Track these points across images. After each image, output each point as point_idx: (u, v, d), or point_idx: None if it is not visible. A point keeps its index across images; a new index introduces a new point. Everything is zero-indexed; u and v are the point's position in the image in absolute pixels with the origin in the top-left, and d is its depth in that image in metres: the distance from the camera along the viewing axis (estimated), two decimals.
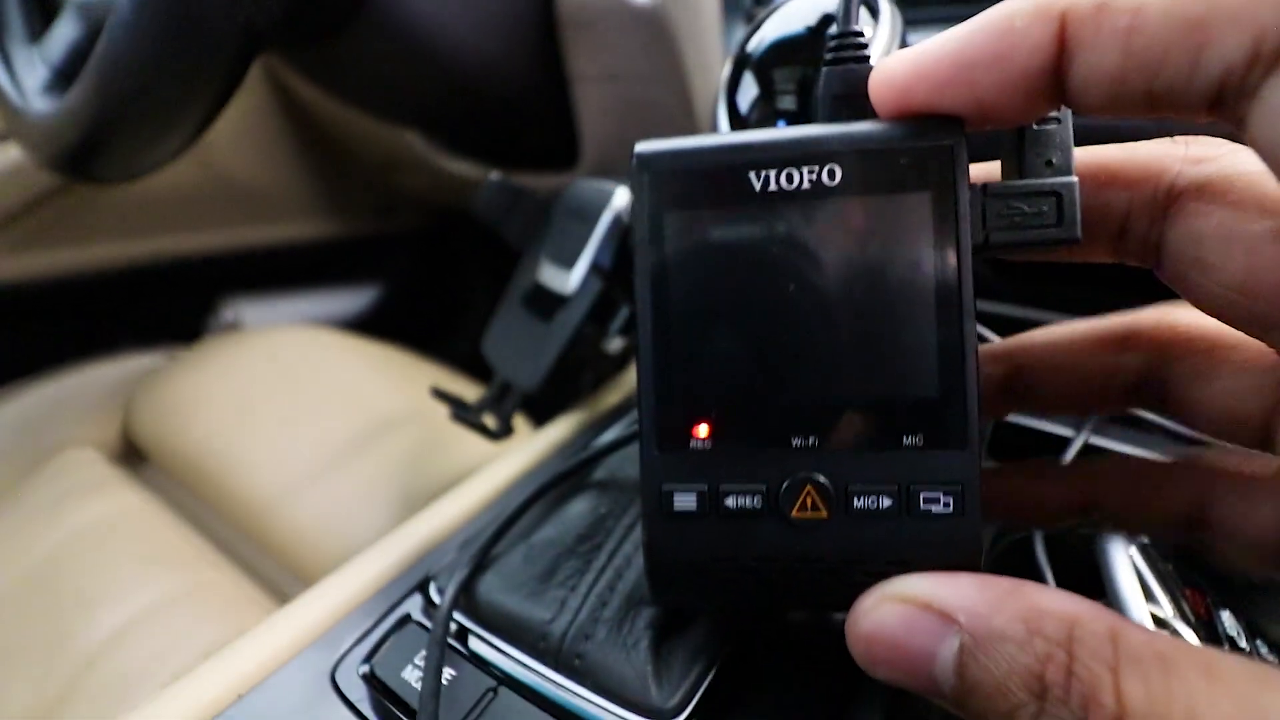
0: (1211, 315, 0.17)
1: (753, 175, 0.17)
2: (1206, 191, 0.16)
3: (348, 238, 1.08)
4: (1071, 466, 0.22)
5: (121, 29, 0.37)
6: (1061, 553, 0.30)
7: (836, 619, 0.25)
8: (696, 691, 0.23)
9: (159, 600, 0.48)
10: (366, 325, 1.10)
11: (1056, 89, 0.15)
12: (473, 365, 0.65)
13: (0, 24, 0.48)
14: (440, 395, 0.48)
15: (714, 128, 0.31)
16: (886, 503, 0.17)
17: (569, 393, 0.50)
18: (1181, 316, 0.20)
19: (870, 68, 0.18)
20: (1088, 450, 0.34)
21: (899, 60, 0.17)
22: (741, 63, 0.30)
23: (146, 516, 0.56)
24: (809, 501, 0.18)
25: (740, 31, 0.32)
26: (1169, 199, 0.17)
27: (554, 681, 0.24)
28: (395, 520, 0.48)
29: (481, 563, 0.27)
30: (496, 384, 0.47)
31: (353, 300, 1.15)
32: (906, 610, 0.15)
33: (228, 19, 0.38)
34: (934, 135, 0.17)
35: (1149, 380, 0.20)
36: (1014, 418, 0.35)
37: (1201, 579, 0.28)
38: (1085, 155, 0.18)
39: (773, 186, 0.17)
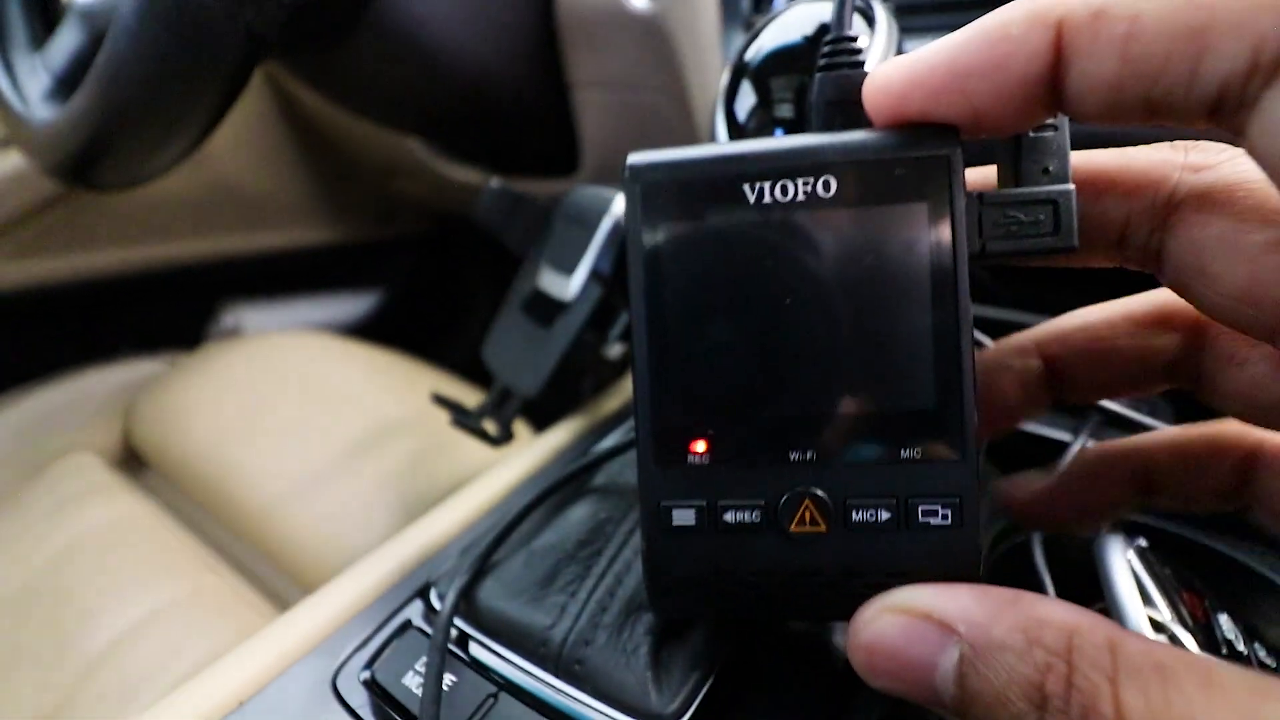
0: (1216, 320, 0.17)
1: (747, 187, 0.17)
2: (1207, 201, 0.16)
3: (348, 243, 1.08)
4: (1125, 454, 0.22)
5: (124, 36, 0.37)
6: (1059, 557, 0.30)
7: (836, 625, 0.25)
8: (696, 697, 0.23)
9: (160, 607, 0.48)
10: (367, 331, 1.10)
11: (1053, 96, 0.15)
12: (473, 371, 0.65)
13: (2, 31, 0.49)
14: (440, 401, 0.48)
15: (712, 135, 0.31)
16: (885, 515, 0.17)
17: (569, 398, 0.51)
18: None
19: (864, 74, 0.18)
20: None
21: (894, 67, 0.16)
22: (739, 71, 0.30)
23: (147, 522, 0.56)
24: (807, 515, 0.18)
25: (739, 38, 0.32)
26: (1169, 207, 0.17)
27: (554, 687, 0.24)
28: (396, 526, 0.48)
29: (482, 568, 0.28)
30: (497, 390, 0.47)
31: (353, 306, 1.15)
32: (907, 621, 0.15)
33: (230, 27, 0.39)
34: (929, 145, 0.17)
35: (1185, 360, 0.20)
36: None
37: (1199, 583, 0.28)
38: (1083, 162, 0.18)
39: (767, 198, 0.17)
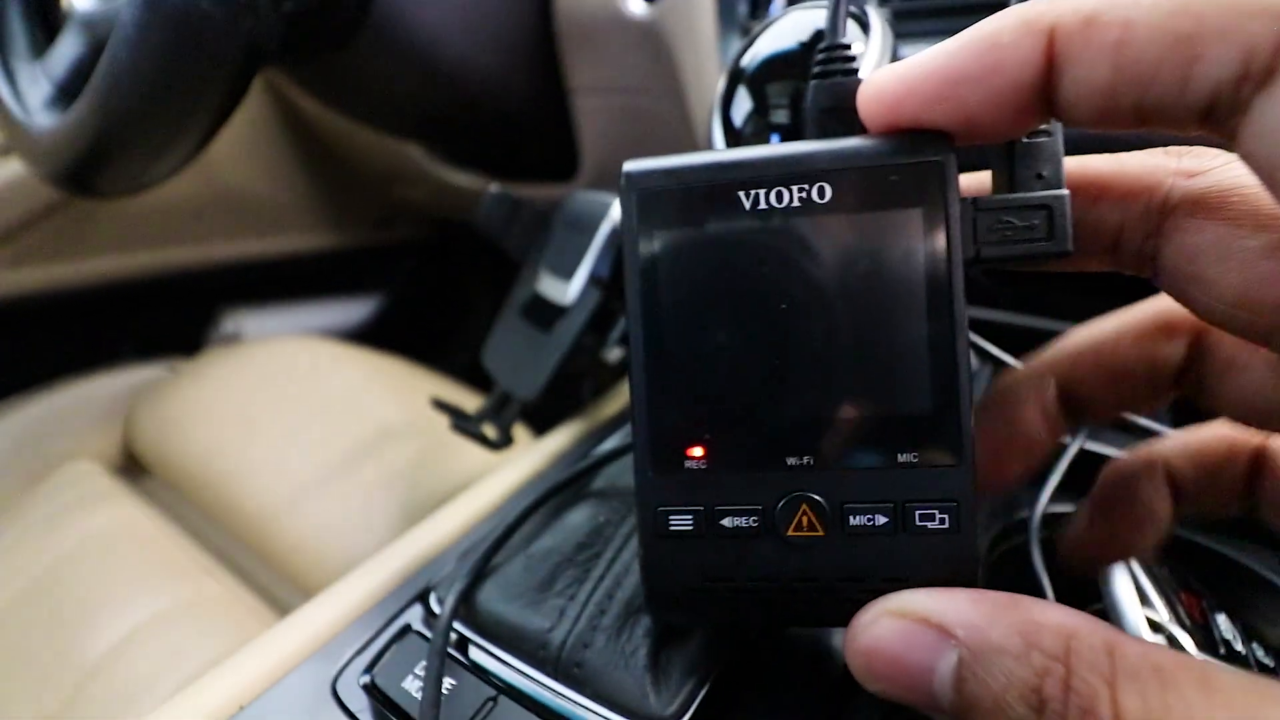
0: (1212, 325, 0.17)
1: (742, 194, 0.17)
2: (1200, 206, 0.16)
3: (348, 249, 1.09)
4: (1149, 465, 0.22)
5: (124, 45, 0.38)
6: (1057, 558, 0.30)
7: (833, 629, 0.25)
8: (695, 699, 0.23)
9: (160, 612, 0.48)
10: (367, 336, 1.11)
11: (1045, 103, 0.15)
12: (473, 375, 0.66)
13: (3, 40, 0.49)
14: (440, 406, 0.48)
15: (709, 141, 0.31)
16: (882, 520, 0.17)
17: (568, 402, 0.51)
18: None
19: (858, 81, 0.18)
20: (1084, 457, 0.34)
21: (887, 74, 0.17)
22: (736, 77, 0.31)
23: (147, 528, 0.57)
24: (805, 520, 0.18)
25: (736, 44, 0.32)
26: (1163, 213, 0.17)
27: (553, 690, 0.24)
28: (396, 531, 0.48)
29: (481, 572, 0.28)
30: (496, 394, 0.47)
31: (353, 311, 1.15)
32: (905, 625, 0.15)
33: (230, 35, 0.39)
34: (923, 151, 0.17)
35: (1190, 367, 0.20)
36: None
37: (1197, 583, 0.28)
38: (1077, 168, 0.18)
39: (763, 205, 0.17)
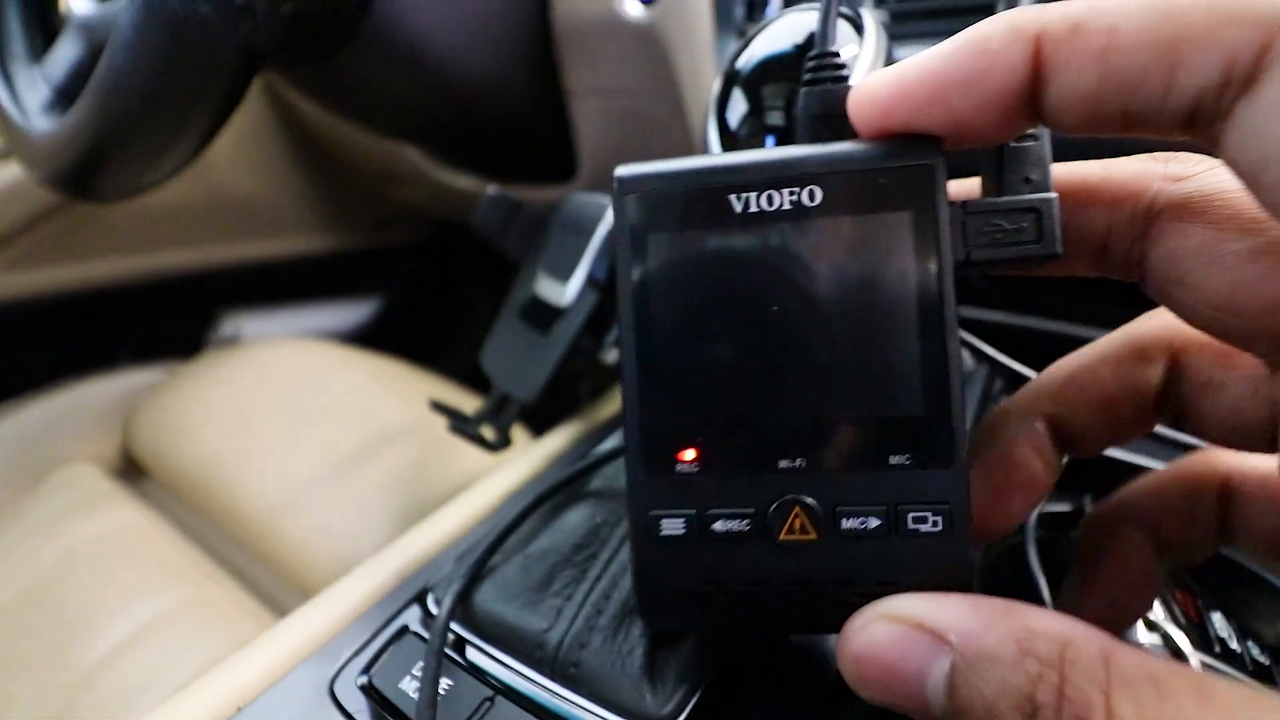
0: (1198, 329, 0.17)
1: (733, 198, 0.18)
2: (1186, 210, 0.16)
3: (346, 251, 1.09)
4: (1127, 515, 0.21)
5: (122, 49, 0.38)
6: (1054, 558, 0.30)
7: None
8: (691, 699, 0.23)
9: (158, 615, 0.48)
10: (365, 338, 1.11)
11: (1033, 108, 0.15)
12: (471, 377, 0.66)
13: (2, 43, 0.49)
14: (438, 407, 0.48)
15: (705, 142, 0.31)
16: (875, 523, 0.17)
17: (567, 403, 0.51)
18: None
19: (848, 88, 0.18)
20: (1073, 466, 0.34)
21: (877, 80, 0.17)
22: (731, 79, 0.31)
23: (146, 531, 0.57)
24: (797, 524, 0.18)
25: (733, 46, 0.32)
26: (1149, 217, 0.17)
27: (550, 690, 0.24)
28: (394, 532, 0.48)
29: (478, 573, 0.28)
30: (495, 396, 0.47)
31: (352, 313, 1.15)
32: (898, 629, 0.15)
33: (228, 39, 0.39)
34: (913, 155, 0.17)
35: (1169, 390, 0.20)
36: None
37: (1192, 581, 0.29)
38: (1064, 173, 0.18)
39: (753, 208, 0.17)
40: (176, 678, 0.44)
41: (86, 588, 0.51)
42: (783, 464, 0.18)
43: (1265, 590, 0.29)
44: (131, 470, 0.70)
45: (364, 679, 0.26)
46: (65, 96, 0.46)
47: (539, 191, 0.69)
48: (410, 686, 0.25)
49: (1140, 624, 0.26)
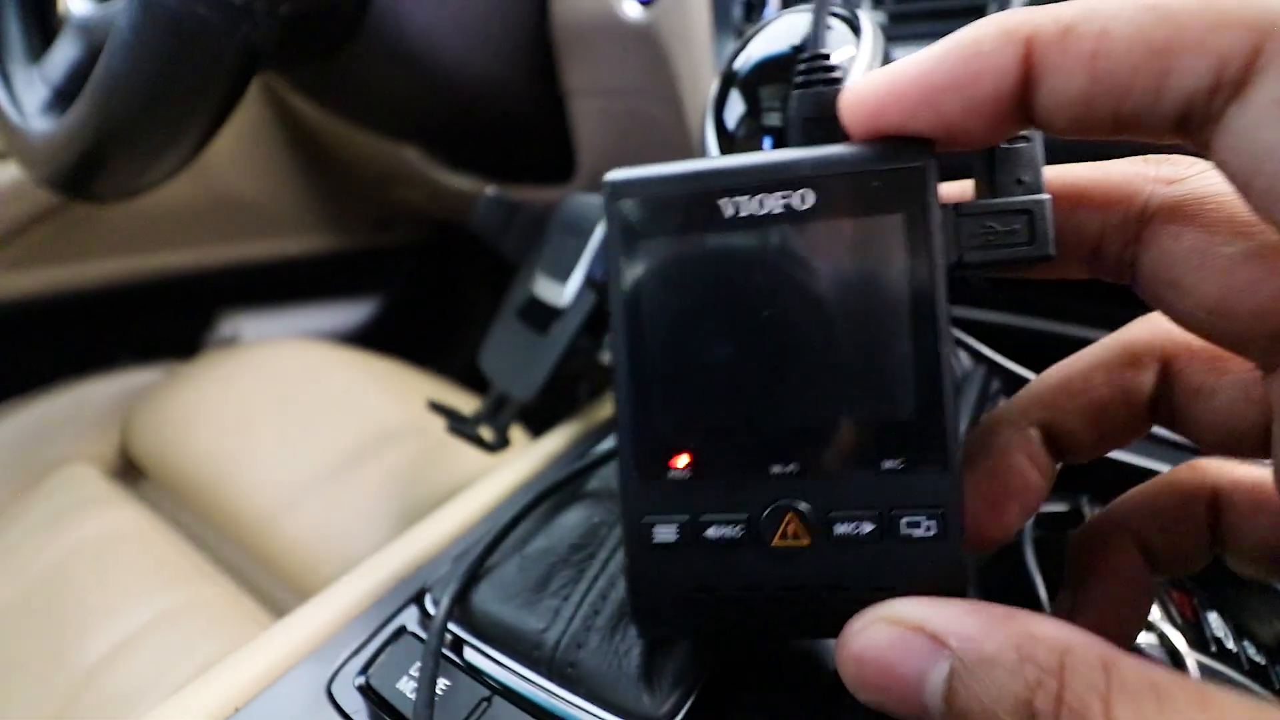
0: (1190, 332, 0.17)
1: (724, 201, 0.17)
2: (1178, 213, 0.16)
3: (345, 251, 1.09)
4: (1115, 531, 0.21)
5: (121, 50, 0.38)
6: (1051, 558, 0.30)
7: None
8: (688, 699, 0.23)
9: (156, 616, 0.48)
10: (364, 339, 1.11)
11: (1024, 111, 0.15)
12: (470, 378, 0.66)
13: (0, 44, 0.49)
14: (437, 408, 0.48)
15: (702, 143, 0.31)
16: (868, 528, 0.17)
17: (565, 404, 0.51)
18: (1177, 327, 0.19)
19: (839, 90, 0.18)
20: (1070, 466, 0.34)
21: (869, 83, 0.16)
22: (729, 80, 0.31)
23: (144, 532, 0.57)
24: (790, 529, 0.18)
25: (731, 46, 0.32)
26: (1141, 220, 0.17)
27: (547, 690, 0.24)
28: (392, 533, 0.48)
29: (476, 574, 0.28)
30: (493, 396, 0.47)
31: (350, 314, 1.15)
32: (898, 632, 0.15)
33: (227, 40, 0.39)
34: (904, 157, 0.17)
35: (1162, 396, 0.20)
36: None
37: (1188, 581, 0.29)
38: (1057, 175, 0.18)
39: (744, 212, 0.17)
40: (175, 678, 0.44)
41: (85, 589, 0.50)
42: (775, 469, 0.18)
43: (1261, 590, 0.29)
44: (130, 471, 0.70)
45: (361, 679, 0.26)
46: (64, 97, 0.46)
47: (537, 192, 0.69)
48: (408, 687, 0.25)
49: None
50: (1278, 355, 0.15)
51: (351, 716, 0.26)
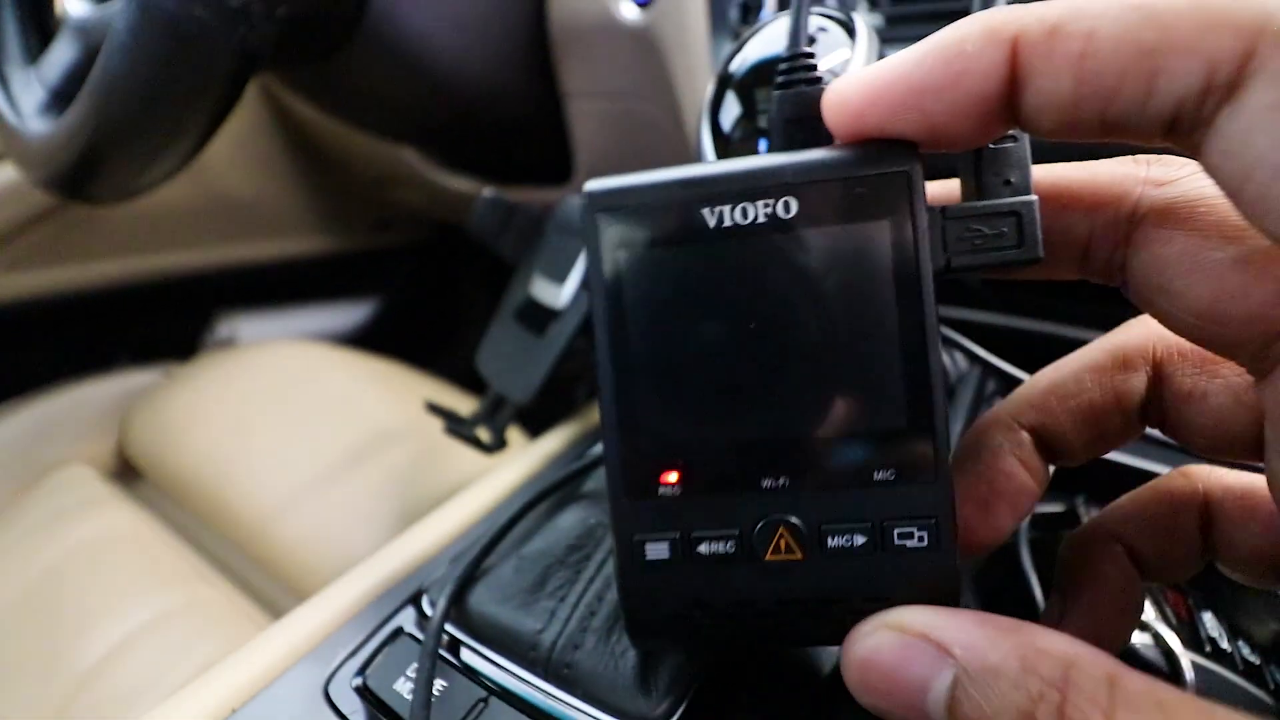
0: (1181, 337, 0.17)
1: (706, 211, 0.17)
2: (1169, 217, 0.16)
3: (343, 253, 1.09)
4: (1105, 539, 0.21)
5: (118, 51, 0.38)
6: (1046, 559, 0.30)
7: None
8: (683, 700, 0.23)
9: (154, 617, 0.48)
10: (362, 340, 1.11)
11: (1009, 113, 0.15)
12: (468, 379, 0.66)
13: None
14: (434, 409, 0.48)
15: (698, 145, 0.31)
16: (860, 540, 0.17)
17: (563, 405, 0.51)
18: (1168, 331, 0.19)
19: (821, 90, 0.17)
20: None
21: (851, 83, 0.16)
22: (724, 82, 0.31)
23: (141, 534, 0.57)
24: (782, 544, 0.17)
25: (727, 49, 0.32)
26: (1131, 223, 0.17)
27: (544, 691, 0.24)
28: (389, 534, 0.48)
29: (473, 575, 0.28)
30: (490, 398, 0.47)
31: (348, 315, 1.15)
32: (903, 639, 0.15)
33: (224, 42, 0.39)
34: (889, 161, 0.16)
35: (1153, 399, 0.19)
36: None
37: (1183, 581, 0.29)
38: (1045, 176, 0.18)
39: (727, 222, 0.17)
40: (172, 680, 0.44)
41: (82, 590, 0.50)
42: (766, 483, 0.17)
43: (1256, 590, 0.29)
44: (127, 472, 0.70)
45: (359, 680, 0.26)
46: (61, 99, 0.46)
47: (535, 193, 0.69)
48: (405, 688, 0.25)
49: None
50: (1269, 361, 0.15)
51: (348, 717, 0.26)
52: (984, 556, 0.32)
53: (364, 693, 0.26)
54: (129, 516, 0.58)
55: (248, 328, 1.04)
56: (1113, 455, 0.33)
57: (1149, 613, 0.27)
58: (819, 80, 0.18)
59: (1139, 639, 0.26)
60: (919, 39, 0.16)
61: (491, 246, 0.48)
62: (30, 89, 0.47)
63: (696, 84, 0.51)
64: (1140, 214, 0.16)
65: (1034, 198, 0.17)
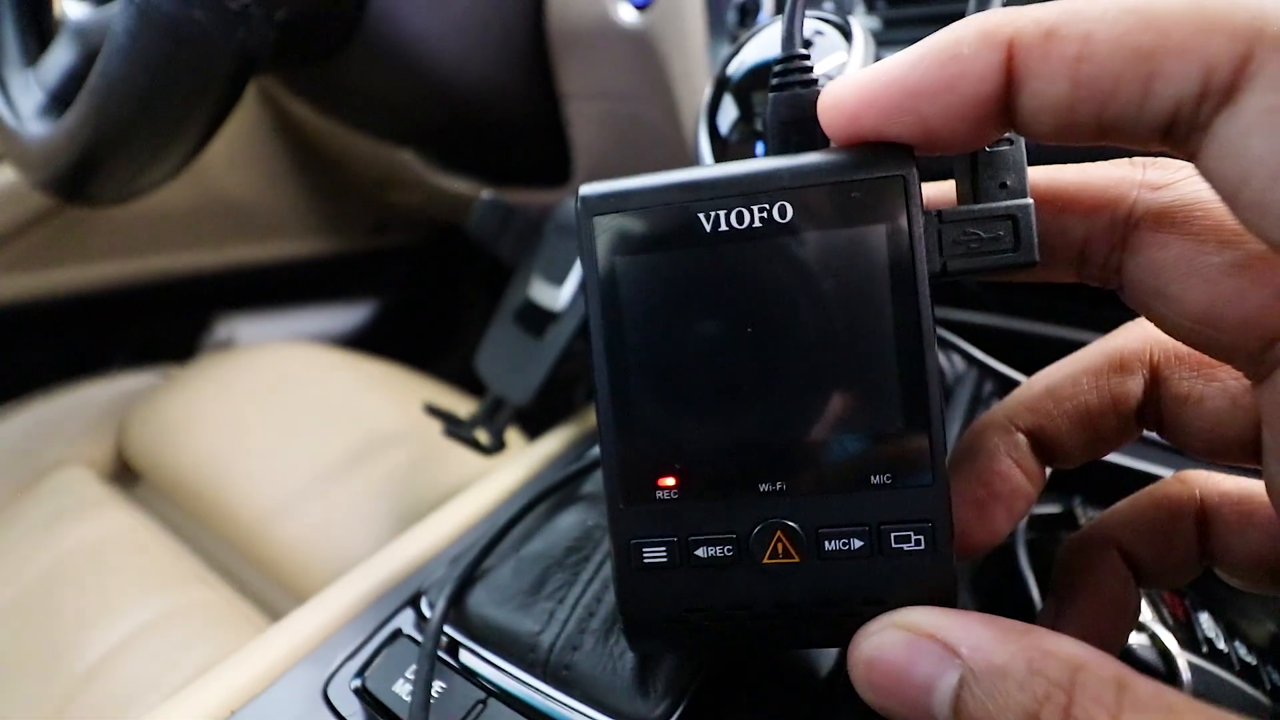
0: (1177, 340, 0.17)
1: (701, 216, 0.17)
2: (1165, 221, 0.16)
3: (342, 254, 1.09)
4: (1101, 543, 0.21)
5: (117, 54, 0.38)
6: (1044, 560, 0.30)
7: None
8: (681, 701, 0.23)
9: (153, 619, 0.48)
10: (361, 342, 1.11)
11: (1005, 116, 0.15)
12: (467, 381, 0.66)
13: None
14: (433, 411, 0.48)
15: (695, 148, 0.31)
16: (857, 544, 0.17)
17: (561, 407, 0.51)
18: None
19: (816, 92, 0.17)
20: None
21: (846, 86, 0.16)
22: (722, 85, 0.31)
23: (140, 536, 0.56)
24: (780, 547, 0.17)
25: (725, 51, 0.32)
26: (1128, 226, 0.17)
27: (542, 692, 0.24)
28: (388, 536, 0.48)
29: (471, 577, 0.28)
30: (489, 400, 0.47)
31: (347, 317, 1.15)
32: (910, 639, 0.15)
33: (223, 43, 0.39)
34: (884, 165, 0.16)
35: (1150, 402, 0.19)
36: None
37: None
38: (1041, 178, 0.18)
39: (723, 227, 0.17)
40: (171, 682, 0.44)
41: (80, 592, 0.50)
42: (763, 487, 0.17)
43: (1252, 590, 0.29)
44: (125, 474, 0.70)
45: (357, 682, 0.27)
46: (60, 101, 0.46)
47: (534, 195, 0.69)
48: (403, 689, 0.25)
49: None
50: (1265, 365, 0.15)
51: (347, 719, 0.26)
52: (981, 557, 0.32)
53: (363, 694, 0.26)
54: (127, 518, 0.58)
55: (246, 329, 1.04)
56: (1110, 457, 0.33)
57: (1146, 613, 0.27)
58: (814, 83, 0.18)
59: (1136, 639, 0.26)
60: (915, 42, 0.16)
61: (490, 248, 0.48)
62: (29, 91, 0.47)
63: (694, 87, 0.51)
64: (1136, 217, 0.16)
65: (1030, 201, 0.17)
